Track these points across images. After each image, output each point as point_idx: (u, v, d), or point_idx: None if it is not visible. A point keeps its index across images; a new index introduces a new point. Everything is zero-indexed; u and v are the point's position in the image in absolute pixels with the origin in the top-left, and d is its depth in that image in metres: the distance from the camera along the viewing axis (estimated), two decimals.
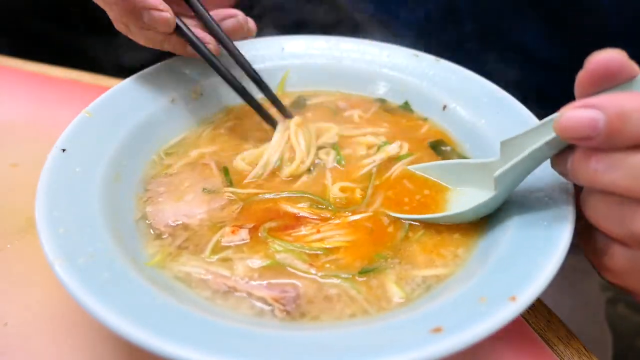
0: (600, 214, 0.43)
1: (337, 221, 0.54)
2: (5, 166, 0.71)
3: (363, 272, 0.49)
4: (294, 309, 0.46)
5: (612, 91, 0.41)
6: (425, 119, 0.70)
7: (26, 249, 0.60)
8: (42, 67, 0.93)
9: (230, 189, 0.58)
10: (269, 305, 0.46)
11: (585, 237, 0.48)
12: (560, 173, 0.46)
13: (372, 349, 0.38)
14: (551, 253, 0.43)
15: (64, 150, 0.53)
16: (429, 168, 0.60)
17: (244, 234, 0.52)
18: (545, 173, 0.50)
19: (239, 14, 0.68)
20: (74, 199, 0.49)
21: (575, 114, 0.40)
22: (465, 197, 0.56)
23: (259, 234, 0.53)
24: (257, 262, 0.50)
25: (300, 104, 0.73)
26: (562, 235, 0.45)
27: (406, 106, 0.72)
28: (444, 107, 0.69)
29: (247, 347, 0.38)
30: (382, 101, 0.74)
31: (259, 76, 0.67)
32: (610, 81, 0.41)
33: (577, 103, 0.41)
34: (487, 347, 0.50)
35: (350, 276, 0.49)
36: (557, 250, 0.43)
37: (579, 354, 0.52)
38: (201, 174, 0.60)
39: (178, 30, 0.61)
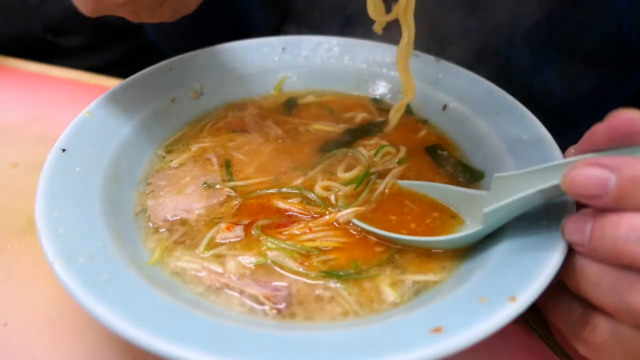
0: (591, 281, 0.41)
1: (327, 217, 0.54)
2: (5, 166, 0.71)
3: (328, 274, 0.49)
4: (285, 307, 0.46)
5: (614, 152, 0.42)
6: (425, 121, 0.70)
7: (26, 249, 0.60)
8: (42, 67, 0.93)
9: (230, 184, 0.58)
10: (261, 303, 0.46)
11: (554, 303, 0.46)
12: (573, 243, 0.43)
13: (373, 349, 0.38)
14: (551, 253, 0.43)
15: (64, 150, 0.53)
16: (417, 186, 0.58)
17: (239, 230, 0.53)
18: None
19: None
20: (74, 199, 0.49)
21: (587, 172, 0.39)
22: (451, 222, 0.55)
23: (252, 232, 0.53)
24: (249, 259, 0.50)
25: (291, 104, 0.73)
26: (561, 234, 0.45)
27: (406, 108, 0.72)
28: (444, 107, 0.69)
29: (248, 347, 0.38)
30: (377, 101, 0.74)
31: None
32: (627, 141, 0.41)
33: (589, 160, 0.40)
34: (488, 347, 0.50)
35: (342, 277, 0.49)
36: (557, 250, 0.43)
37: None
38: (203, 168, 0.61)
39: None
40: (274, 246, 0.51)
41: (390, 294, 0.48)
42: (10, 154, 0.73)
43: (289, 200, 0.56)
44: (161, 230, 0.53)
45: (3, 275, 0.57)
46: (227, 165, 0.61)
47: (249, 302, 0.47)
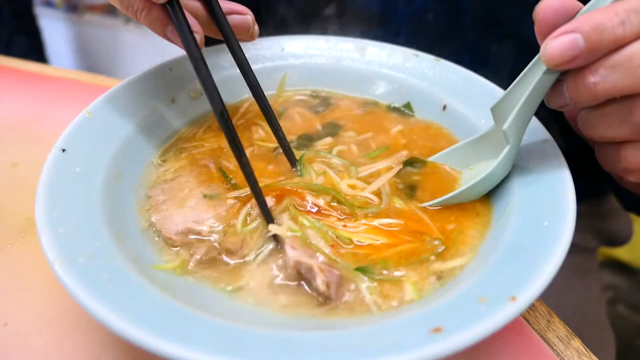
0: (601, 125, 0.47)
1: (363, 221, 0.53)
2: (5, 166, 0.71)
3: (358, 269, 0.49)
4: (335, 292, 0.46)
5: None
6: (426, 123, 0.70)
7: (26, 249, 0.60)
8: (42, 66, 0.93)
9: (234, 194, 0.56)
10: (312, 281, 0.47)
11: (601, 155, 0.53)
12: (559, 107, 0.49)
13: (372, 349, 0.38)
14: (551, 253, 0.43)
15: (64, 150, 0.53)
16: (444, 156, 0.62)
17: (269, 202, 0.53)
18: (545, 174, 0.51)
19: (249, 14, 0.63)
20: (74, 199, 0.49)
21: (557, 42, 0.44)
22: (477, 171, 0.58)
23: (284, 203, 0.53)
24: (287, 224, 0.51)
25: (291, 105, 0.72)
26: (562, 235, 0.45)
27: (407, 107, 0.72)
28: (444, 107, 0.69)
29: (247, 347, 0.38)
30: (375, 103, 0.74)
31: (259, 87, 0.62)
32: (563, 20, 0.45)
33: (553, 33, 0.45)
34: (487, 347, 0.50)
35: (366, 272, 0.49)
36: (557, 250, 0.43)
37: (579, 354, 0.52)
38: (199, 176, 0.59)
39: (169, 4, 0.51)
40: (308, 224, 0.51)
41: (410, 291, 0.47)
42: (10, 154, 0.73)
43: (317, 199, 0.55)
44: (176, 247, 0.52)
45: (3, 275, 0.57)
46: (223, 173, 0.59)
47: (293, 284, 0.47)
